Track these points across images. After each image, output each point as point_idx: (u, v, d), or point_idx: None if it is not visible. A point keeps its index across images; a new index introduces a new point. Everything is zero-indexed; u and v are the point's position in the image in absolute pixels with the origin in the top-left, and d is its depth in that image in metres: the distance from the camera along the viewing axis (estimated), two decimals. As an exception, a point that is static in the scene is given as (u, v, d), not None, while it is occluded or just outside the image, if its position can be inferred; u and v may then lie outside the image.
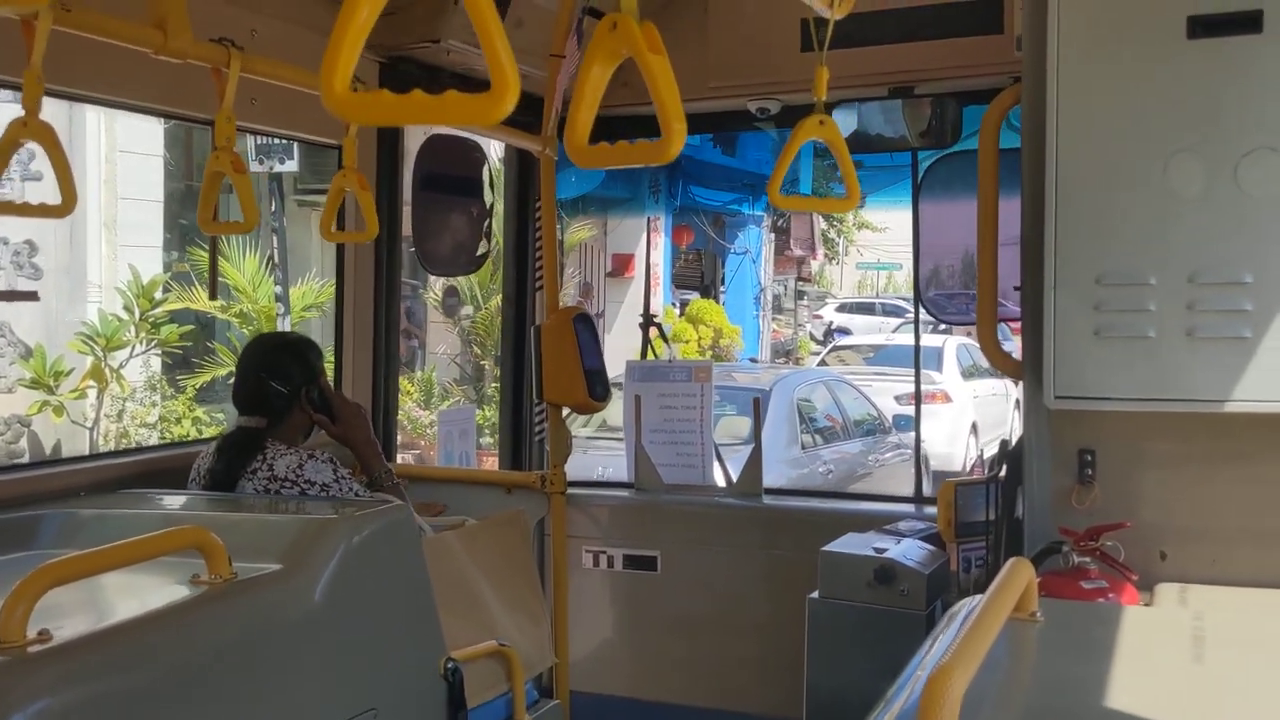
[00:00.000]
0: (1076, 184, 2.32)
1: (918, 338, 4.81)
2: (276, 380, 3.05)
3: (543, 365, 3.62)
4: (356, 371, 3.77)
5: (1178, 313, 2.25)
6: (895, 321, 23.08)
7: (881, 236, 26.17)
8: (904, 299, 25.10)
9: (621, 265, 17.92)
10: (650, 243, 17.17)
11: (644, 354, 4.85)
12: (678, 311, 18.33)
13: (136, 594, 2.12)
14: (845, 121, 4.21)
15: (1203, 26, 2.21)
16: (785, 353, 22.11)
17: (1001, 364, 2.70)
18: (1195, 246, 2.24)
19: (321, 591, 2.24)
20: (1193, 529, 2.38)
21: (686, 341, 16.10)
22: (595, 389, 3.62)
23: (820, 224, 26.28)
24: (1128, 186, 2.29)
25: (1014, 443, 2.67)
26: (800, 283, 26.64)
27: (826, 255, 29.24)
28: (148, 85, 2.96)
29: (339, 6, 0.99)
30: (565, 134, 1.34)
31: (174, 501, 2.88)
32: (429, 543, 2.98)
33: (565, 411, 3.91)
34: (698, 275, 21.72)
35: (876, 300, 27.93)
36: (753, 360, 18.25)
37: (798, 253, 24.73)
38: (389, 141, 3.78)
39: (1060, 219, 2.32)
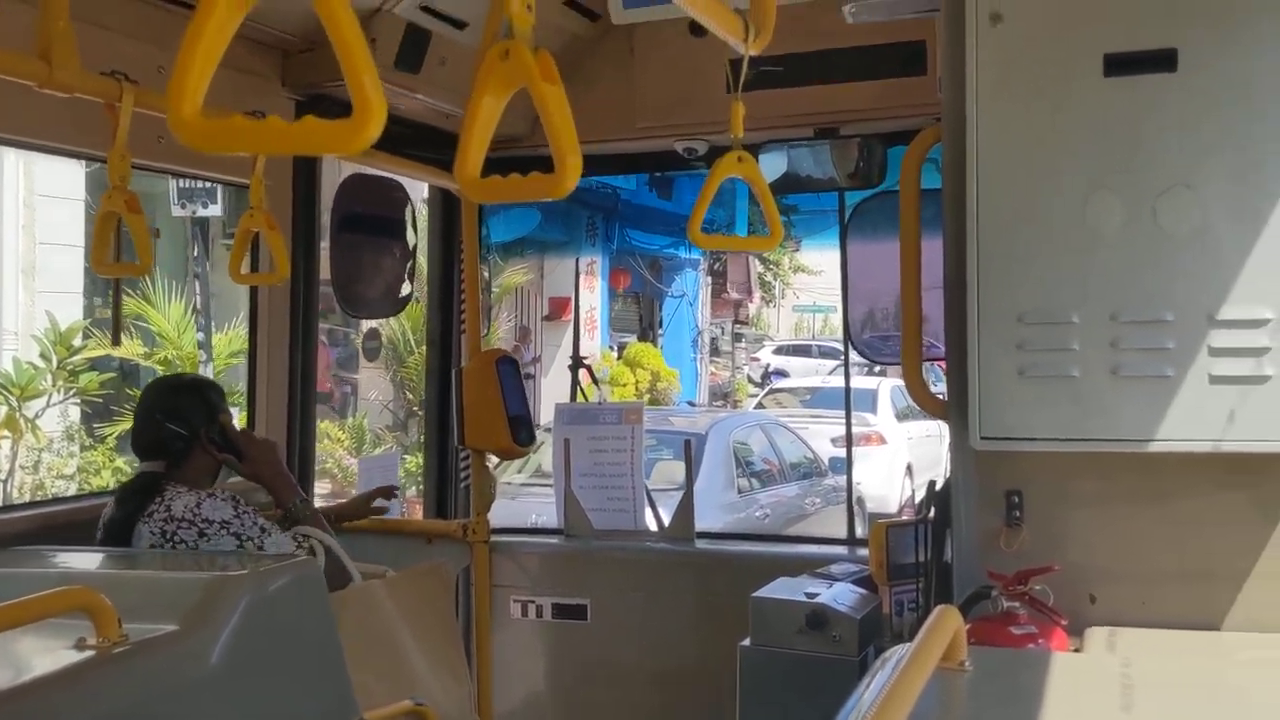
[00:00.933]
0: (997, 222, 2.30)
1: (847, 378, 4.80)
2: (173, 422, 2.95)
3: (464, 410, 3.53)
4: (271, 415, 3.64)
5: (1101, 351, 2.23)
6: (832, 364, 23.19)
7: (817, 280, 26.44)
8: (840, 341, 25.27)
9: (559, 309, 17.86)
10: (583, 282, 17.13)
11: (573, 396, 4.77)
12: (615, 354, 18.28)
13: (14, 661, 1.98)
14: (775, 163, 4.22)
15: (1119, 65, 2.21)
16: (723, 395, 22.12)
17: (927, 404, 2.66)
18: (1116, 284, 2.22)
19: (220, 653, 2.11)
20: (1121, 570, 2.34)
21: (624, 385, 16.04)
22: (519, 434, 3.53)
23: (757, 267, 26.49)
24: (1048, 224, 2.27)
25: (941, 484, 2.63)
26: (738, 325, 26.76)
27: (763, 298, 29.46)
28: (50, 122, 2.85)
29: (256, 45, 0.91)
30: (455, 166, 1.27)
31: (70, 558, 2.72)
32: (351, 594, 2.87)
33: (497, 462, 3.81)
34: (635, 318, 21.75)
35: (813, 343, 28.13)
36: (690, 403, 18.22)
37: (734, 296, 24.85)
38: (304, 181, 3.68)
39: (982, 258, 2.30)
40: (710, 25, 1.84)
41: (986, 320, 2.29)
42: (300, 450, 3.74)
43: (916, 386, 2.66)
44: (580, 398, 4.81)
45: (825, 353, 25.43)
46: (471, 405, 3.54)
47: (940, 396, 2.59)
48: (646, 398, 16.47)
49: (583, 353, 17.66)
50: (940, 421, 2.66)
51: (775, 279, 28.80)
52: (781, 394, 17.18)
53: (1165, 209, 2.19)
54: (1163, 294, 2.19)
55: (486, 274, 5.05)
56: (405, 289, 4.13)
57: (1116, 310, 2.22)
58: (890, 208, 4.05)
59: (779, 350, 27.85)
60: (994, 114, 2.30)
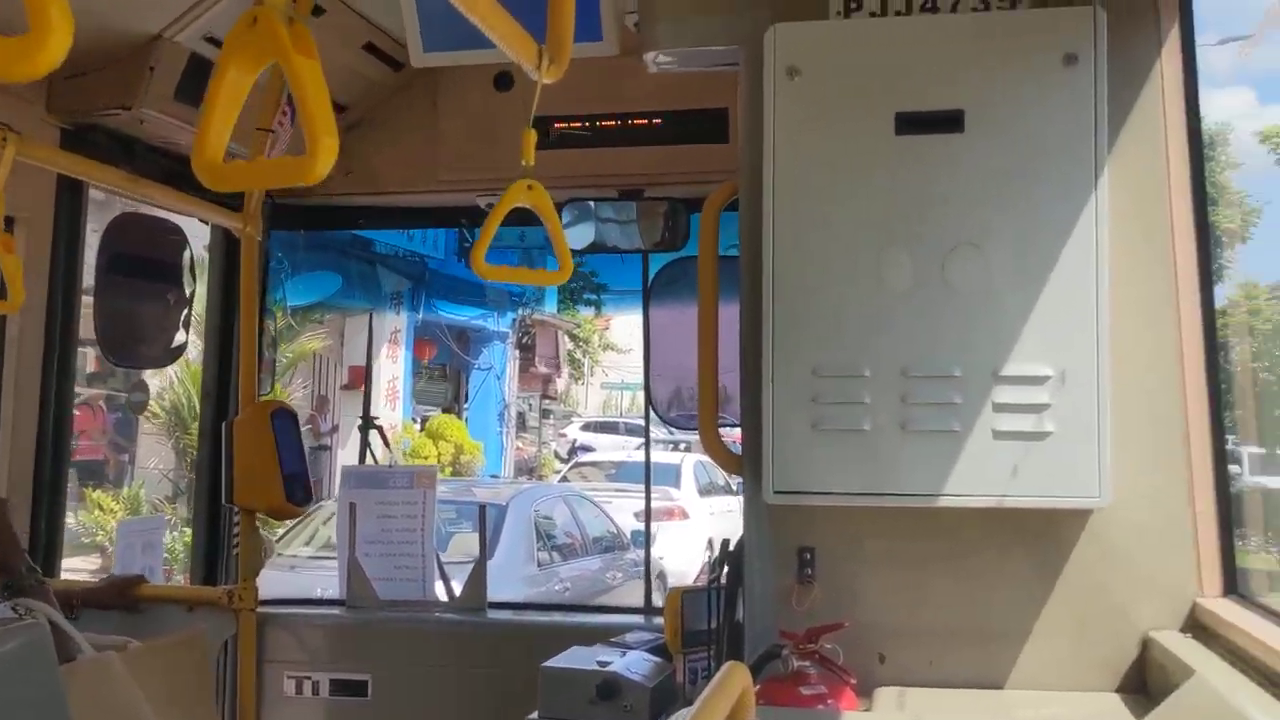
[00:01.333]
0: (792, 275, 2.28)
1: (647, 440, 4.75)
2: None
3: (234, 464, 3.26)
4: (14, 469, 3.27)
5: (892, 405, 2.22)
6: (639, 440, 23.28)
7: (626, 358, 26.69)
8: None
9: (358, 378, 17.30)
10: (386, 352, 16.70)
11: (362, 459, 4.53)
12: (417, 426, 17.81)
13: None
14: (582, 233, 4.20)
15: (909, 124, 2.25)
16: (529, 470, 21.85)
17: (722, 460, 2.61)
18: (907, 340, 2.23)
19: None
20: (910, 629, 2.32)
21: (425, 457, 15.58)
22: (295, 492, 3.28)
23: (566, 343, 26.54)
24: (842, 278, 2.27)
25: (735, 543, 2.56)
26: (546, 401, 26.65)
27: (572, 375, 29.50)
28: None
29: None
30: (194, 151, 1.12)
31: None
32: (83, 666, 2.55)
33: (282, 533, 3.53)
34: (441, 393, 21.33)
35: (620, 420, 28.24)
36: (494, 477, 17.90)
37: (543, 370, 24.77)
38: (67, 216, 3.37)
39: (777, 310, 2.27)
40: (504, 48, 1.75)
41: (781, 373, 2.26)
42: (47, 516, 3.36)
43: (712, 441, 2.60)
44: (369, 460, 4.57)
45: (632, 430, 25.53)
46: (243, 460, 3.27)
47: (736, 452, 2.54)
48: (448, 471, 16.05)
49: (385, 423, 17.18)
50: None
51: (584, 356, 28.93)
52: (586, 468, 17.08)
53: (954, 267, 2.21)
54: (951, 350, 2.21)
55: (274, 329, 4.77)
56: (179, 338, 3.83)
57: (907, 365, 2.22)
58: (693, 271, 4.08)
59: (586, 427, 27.83)
60: (790, 168, 2.30)
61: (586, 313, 23.05)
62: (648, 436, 4.69)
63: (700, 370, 2.61)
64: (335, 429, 16.59)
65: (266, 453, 3.25)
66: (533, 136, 1.95)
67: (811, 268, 2.28)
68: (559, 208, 4.29)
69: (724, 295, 2.65)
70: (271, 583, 5.19)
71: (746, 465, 2.37)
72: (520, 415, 23.08)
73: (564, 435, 27.10)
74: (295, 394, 14.58)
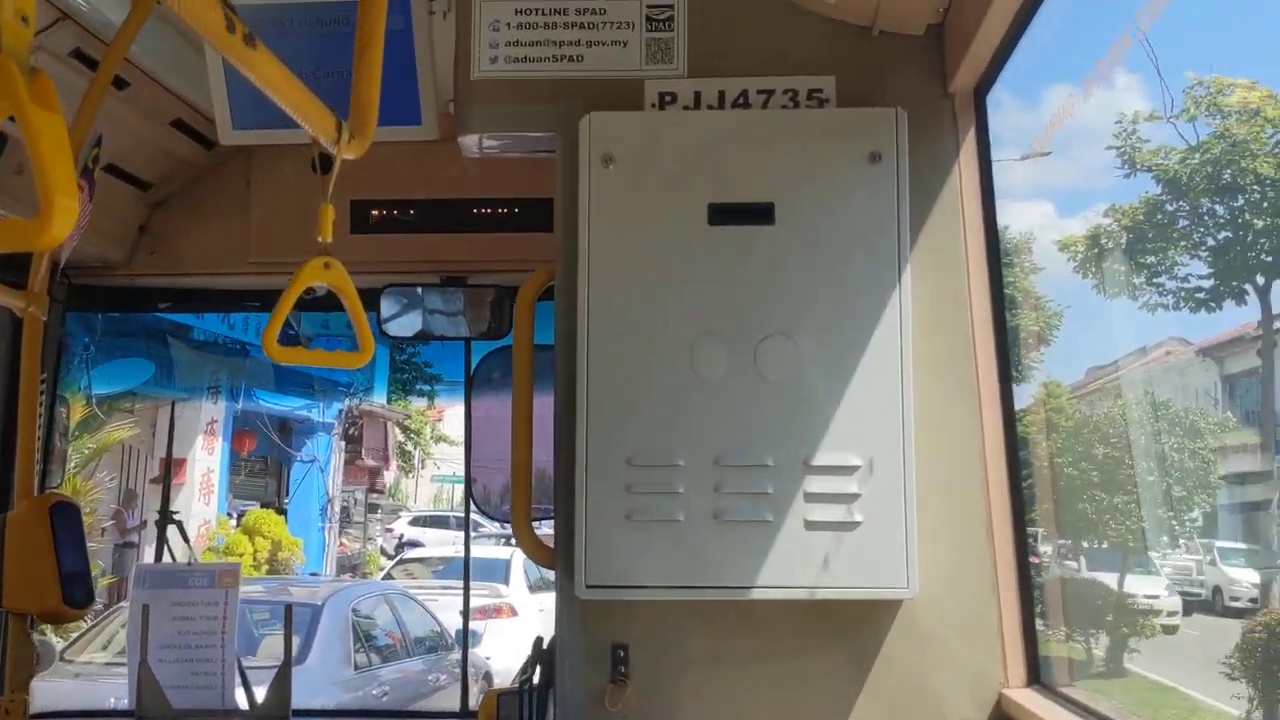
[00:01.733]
0: (607, 364, 2.25)
1: (467, 534, 4.60)
2: None
3: (6, 564, 2.96)
4: None
5: (705, 495, 2.19)
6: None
7: (458, 450, 26.19)
8: (477, 514, 24.89)
9: (171, 471, 16.41)
10: (201, 443, 15.92)
11: (159, 556, 4.22)
12: (233, 522, 16.95)
13: None
14: (409, 322, 4.12)
15: (721, 215, 2.26)
16: (352, 567, 20.98)
17: (535, 553, 2.51)
18: (720, 428, 2.21)
19: None
20: None
21: (241, 554, 14.77)
22: (74, 593, 3.00)
23: (396, 435, 25.91)
24: (656, 368, 2.24)
25: (548, 641, 2.46)
26: (373, 495, 25.84)
27: (401, 467, 28.79)
28: None
29: None
30: None
31: None
32: None
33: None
34: (260, 485, 20.44)
35: (451, 514, 27.56)
36: (314, 575, 17.09)
37: (370, 463, 24.07)
38: None
39: (591, 399, 2.23)
40: (300, 120, 1.68)
41: (595, 463, 2.20)
42: None
43: (525, 534, 2.51)
44: (166, 558, 4.27)
45: (463, 524, 24.88)
46: (15, 557, 2.97)
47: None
48: (265, 569, 15.25)
49: (200, 519, 16.21)
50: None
51: (415, 448, 28.29)
52: (412, 564, 16.47)
53: (766, 357, 2.22)
54: (763, 439, 2.20)
55: (66, 417, 4.45)
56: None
57: (720, 454, 2.20)
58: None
59: (416, 521, 27.05)
60: (605, 255, 2.28)
61: (419, 403, 22.60)
62: (468, 531, 4.55)
63: (514, 460, 2.53)
64: (143, 524, 15.61)
65: (43, 551, 2.96)
66: (330, 213, 1.87)
67: (626, 356, 2.25)
68: (379, 293, 4.21)
69: (546, 384, 2.60)
70: (54, 694, 4.74)
71: (559, 559, 2.29)
72: (345, 510, 22.28)
73: (390, 530, 26.26)
74: (101, 487, 13.68)
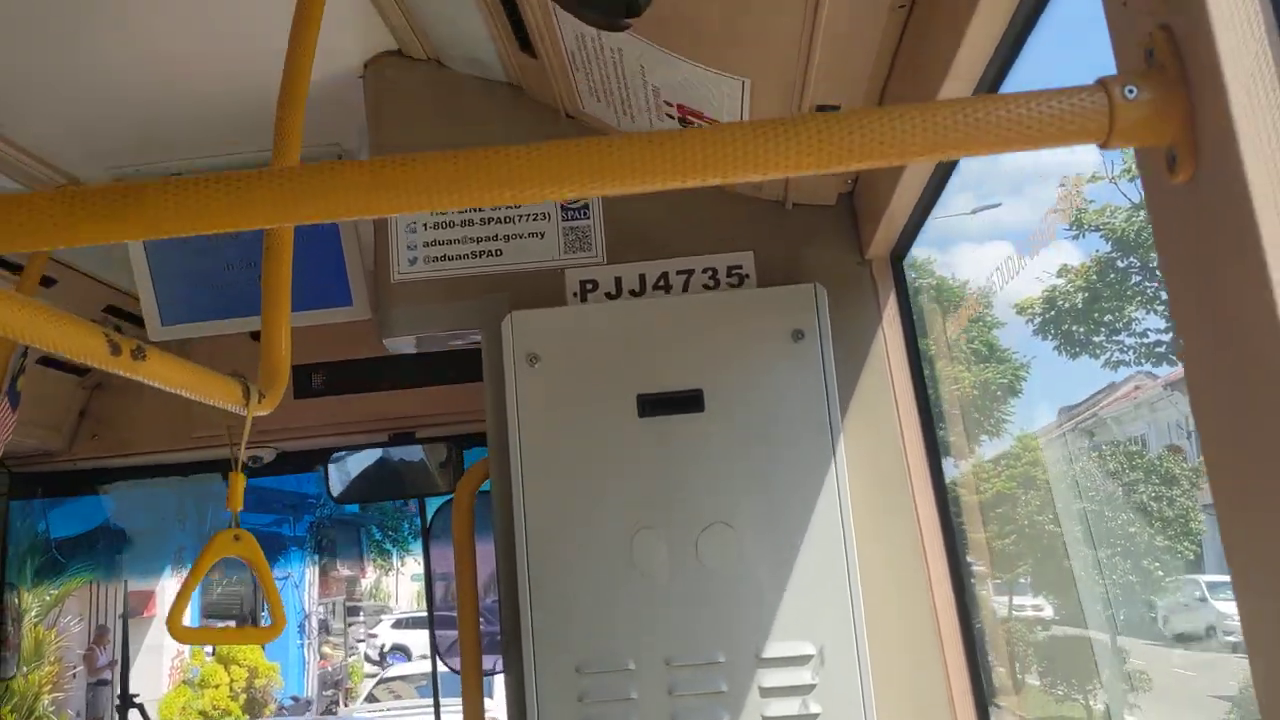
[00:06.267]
0: (548, 566, 2.21)
1: (435, 688, 4.51)
2: None
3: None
4: None
5: (659, 698, 2.15)
6: (454, 633, 22.14)
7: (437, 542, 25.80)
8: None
9: (141, 603, 16.08)
10: (170, 570, 15.56)
11: (119, 748, 4.09)
12: (208, 652, 16.54)
13: None
14: (358, 486, 4.13)
15: (650, 405, 2.25)
16: (334, 683, 20.47)
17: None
18: (668, 627, 2.18)
19: None
20: None
21: (217, 686, 14.38)
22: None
23: (374, 534, 25.49)
24: (598, 567, 2.21)
25: None
26: (350, 601, 25.38)
27: (381, 566, 28.32)
28: None
29: None
30: None
31: None
32: None
33: None
34: (236, 604, 19.98)
35: (435, 615, 27.01)
36: (295, 699, 16.65)
37: (345, 572, 23.69)
38: None
39: (535, 608, 2.19)
40: (210, 401, 1.66)
41: (545, 677, 2.16)
42: None
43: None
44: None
45: (450, 623, 24.36)
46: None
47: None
48: (243, 698, 14.83)
49: (173, 651, 15.79)
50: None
51: (393, 545, 27.83)
52: (395, 683, 16.06)
53: (707, 548, 2.20)
54: (713, 634, 2.17)
55: (18, 604, 4.35)
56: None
57: (671, 654, 2.16)
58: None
59: (399, 624, 26.53)
60: (537, 453, 2.26)
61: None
62: (435, 686, 4.45)
63: (463, 662, 2.48)
64: (114, 663, 15.23)
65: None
66: (241, 480, 1.84)
67: (566, 557, 2.22)
68: (326, 455, 4.16)
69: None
70: None
71: (515, 772, 2.23)
72: (323, 622, 21.82)
73: (374, 635, 25.69)
74: (66, 633, 13.34)
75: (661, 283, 2.41)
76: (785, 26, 1.72)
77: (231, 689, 14.91)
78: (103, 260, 3.39)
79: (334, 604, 23.37)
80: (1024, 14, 1.48)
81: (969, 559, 2.70)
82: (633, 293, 2.41)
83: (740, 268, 2.41)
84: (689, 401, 2.25)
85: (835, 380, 2.25)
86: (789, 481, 2.22)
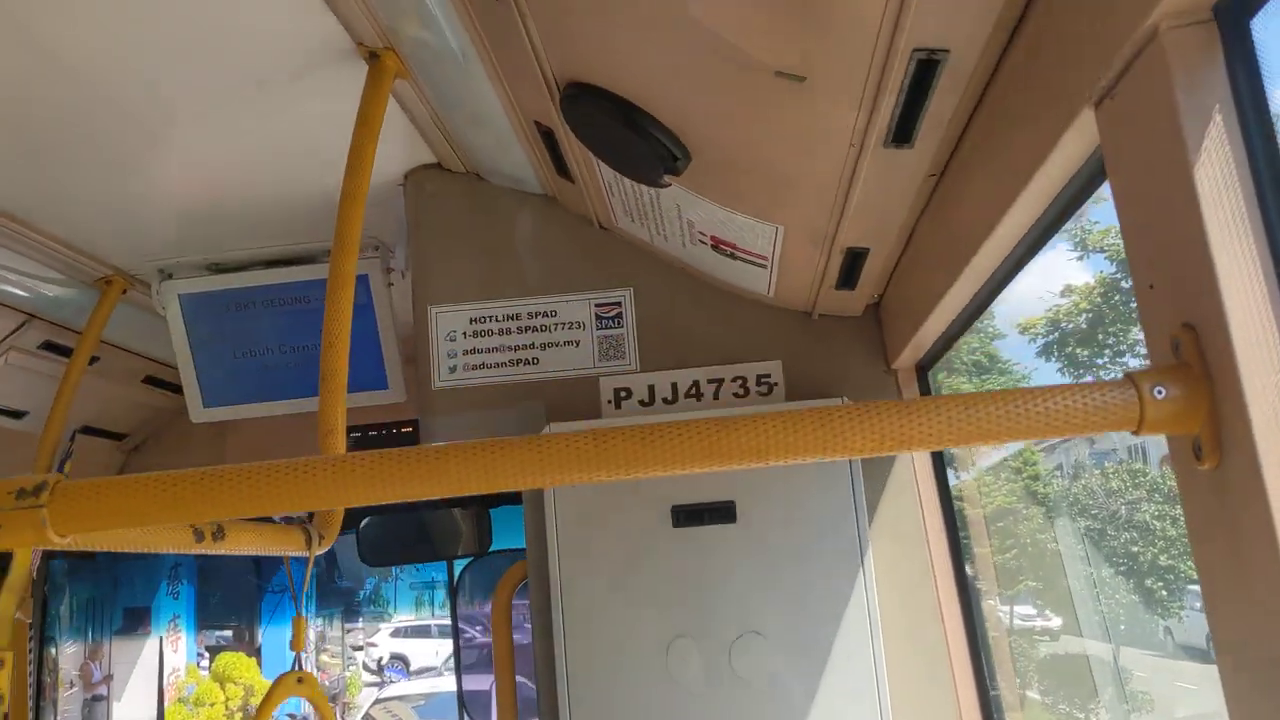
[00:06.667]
0: (585, 671, 2.30)
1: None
2: None
3: None
4: None
5: (693, 803, 2.24)
6: (450, 645, 21.97)
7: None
8: (466, 617, 24.09)
9: (138, 620, 16.09)
10: (153, 584, 15.57)
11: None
12: (204, 669, 16.53)
13: None
14: (390, 549, 4.23)
15: (684, 516, 2.35)
16: (331, 697, 20.43)
17: None
18: (702, 734, 2.27)
19: None
20: None
21: (212, 704, 14.27)
22: None
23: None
24: (633, 673, 2.31)
25: None
26: (348, 615, 25.26)
27: (381, 575, 28.19)
28: None
29: None
30: None
31: None
32: None
33: None
34: (233, 617, 19.97)
35: (432, 622, 26.85)
36: (291, 716, 16.50)
37: (346, 583, 23.67)
38: None
39: (574, 713, 2.28)
40: (276, 551, 1.76)
41: (582, 779, 2.25)
42: None
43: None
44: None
45: (446, 632, 24.21)
46: None
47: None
48: (238, 717, 14.80)
49: (169, 668, 15.73)
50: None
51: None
52: (391, 703, 15.89)
53: (741, 658, 2.29)
54: None
55: (55, 655, 4.42)
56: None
57: (705, 760, 2.26)
58: (489, 568, 4.13)
59: (397, 633, 26.39)
60: (574, 560, 2.35)
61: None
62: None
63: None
64: (109, 678, 15.27)
65: None
66: (304, 624, 1.94)
67: (603, 663, 2.31)
68: (360, 516, 4.24)
69: None
70: None
71: None
72: (322, 633, 21.78)
73: (373, 645, 25.51)
74: (61, 653, 13.39)
75: (693, 391, 2.51)
76: (822, 191, 1.82)
77: (227, 707, 14.87)
78: (141, 334, 3.47)
79: (333, 616, 23.33)
80: (1066, 198, 1.55)
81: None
82: (665, 400, 2.51)
83: (769, 376, 2.50)
84: (722, 513, 2.34)
85: (863, 492, 2.35)
86: (819, 593, 2.31)
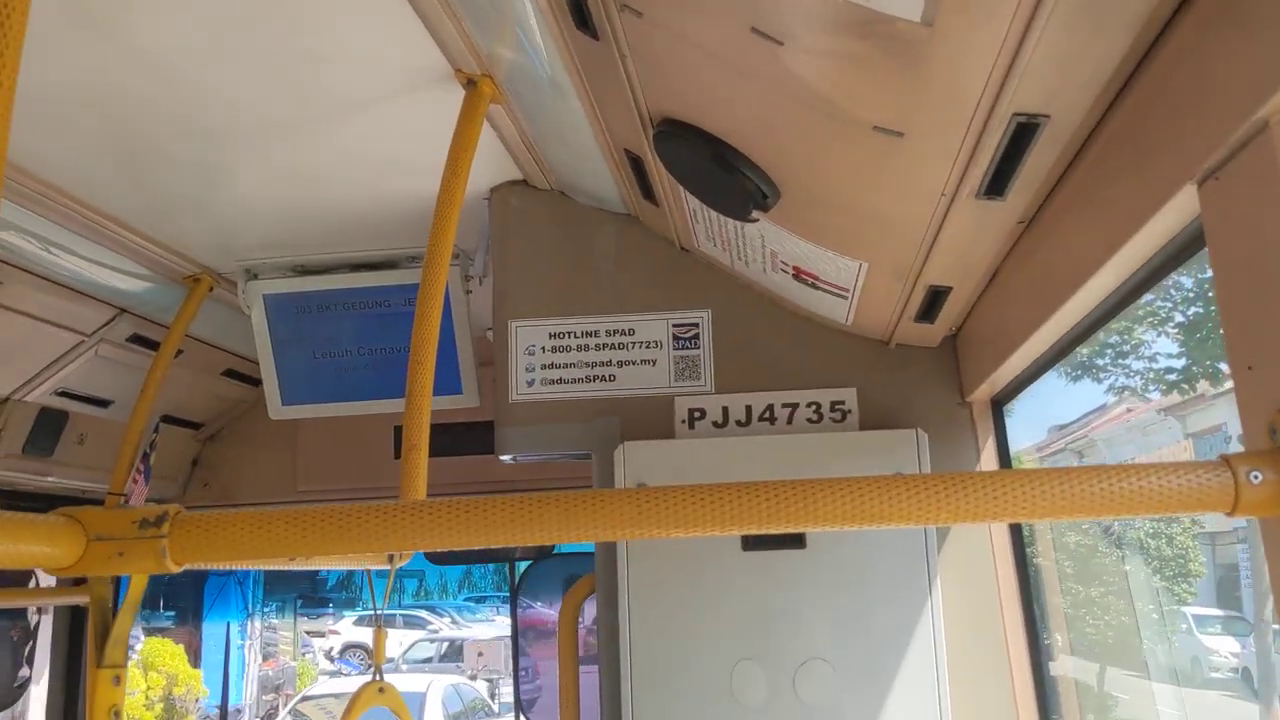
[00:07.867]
0: (649, 688, 2.34)
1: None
2: None
3: None
4: None
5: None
6: (415, 636, 20.87)
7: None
8: (427, 607, 23.48)
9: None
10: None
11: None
12: (132, 656, 15.33)
13: None
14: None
15: (754, 540, 2.37)
16: (275, 688, 18.37)
17: None
18: (765, 758, 2.29)
19: None
20: None
21: (133, 694, 12.93)
22: None
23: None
24: (698, 693, 2.34)
25: None
26: (302, 600, 23.04)
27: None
28: None
29: None
30: None
31: None
32: None
33: None
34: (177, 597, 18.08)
35: (398, 612, 23.79)
36: (219, 708, 15.16)
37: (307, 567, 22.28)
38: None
39: (638, 723, 2.32)
40: (363, 564, 1.81)
41: (645, 794, 2.29)
42: None
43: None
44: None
45: (412, 623, 22.48)
46: None
47: None
48: (158, 708, 13.60)
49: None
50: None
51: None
52: (324, 699, 14.07)
53: (805, 683, 2.31)
54: None
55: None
56: (22, 673, 3.67)
57: (766, 783, 2.28)
58: (549, 571, 4.19)
59: (360, 620, 23.21)
60: (643, 579, 2.39)
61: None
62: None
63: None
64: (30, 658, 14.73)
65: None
66: (384, 636, 1.99)
67: (669, 683, 2.34)
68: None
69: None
70: None
71: None
72: (270, 624, 19.76)
73: (336, 632, 22.90)
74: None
75: (767, 414, 2.53)
76: (909, 233, 1.83)
77: (147, 697, 13.48)
78: (224, 329, 3.57)
79: (286, 600, 21.41)
80: (1158, 261, 1.55)
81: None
82: (739, 423, 2.53)
83: (843, 403, 2.51)
84: (791, 538, 2.36)
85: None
86: (886, 621, 2.33)
